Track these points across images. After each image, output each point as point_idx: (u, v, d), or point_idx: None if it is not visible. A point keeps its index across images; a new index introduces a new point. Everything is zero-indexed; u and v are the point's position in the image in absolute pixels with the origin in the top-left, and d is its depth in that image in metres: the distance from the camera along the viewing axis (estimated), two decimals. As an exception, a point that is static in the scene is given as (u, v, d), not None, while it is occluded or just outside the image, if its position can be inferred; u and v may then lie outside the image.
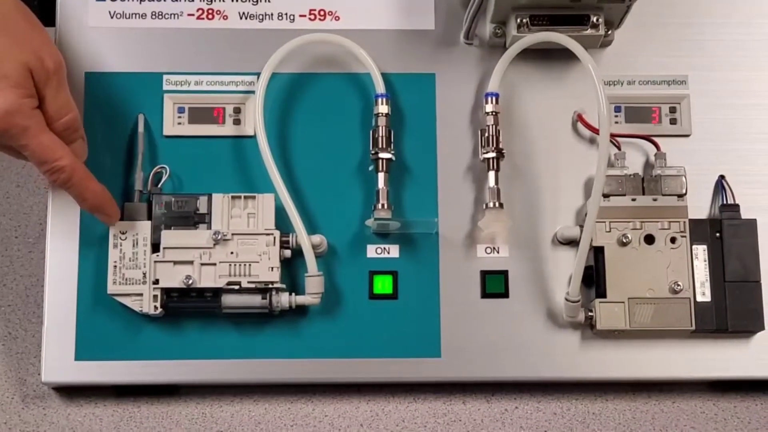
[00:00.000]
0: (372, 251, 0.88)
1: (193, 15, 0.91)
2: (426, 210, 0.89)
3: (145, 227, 0.85)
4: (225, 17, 0.91)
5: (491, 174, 0.88)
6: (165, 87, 0.90)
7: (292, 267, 0.87)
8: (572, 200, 0.89)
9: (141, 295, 0.84)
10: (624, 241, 0.86)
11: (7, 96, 0.78)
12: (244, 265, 0.85)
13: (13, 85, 0.78)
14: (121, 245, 0.85)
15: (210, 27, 0.91)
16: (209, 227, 0.86)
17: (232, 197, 0.86)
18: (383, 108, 0.88)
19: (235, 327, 0.86)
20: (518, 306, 0.88)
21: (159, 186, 0.87)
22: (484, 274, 0.88)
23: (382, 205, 0.87)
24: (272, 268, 0.85)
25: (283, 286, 0.85)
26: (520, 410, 0.89)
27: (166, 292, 0.85)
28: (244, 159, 0.89)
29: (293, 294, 0.85)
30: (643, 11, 0.91)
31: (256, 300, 0.85)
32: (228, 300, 0.85)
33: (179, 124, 0.89)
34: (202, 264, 0.85)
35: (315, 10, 0.92)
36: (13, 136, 0.79)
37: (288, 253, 0.86)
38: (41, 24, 0.83)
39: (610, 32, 0.90)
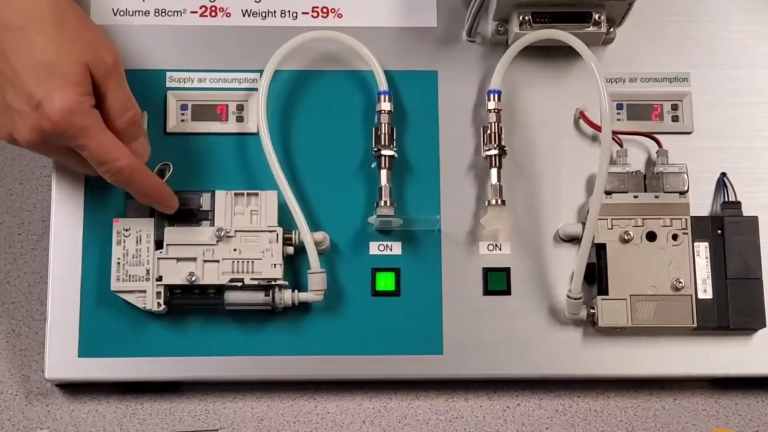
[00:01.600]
0: (374, 248, 0.88)
1: (196, 12, 0.91)
2: (428, 207, 0.89)
3: (148, 224, 0.85)
4: (228, 14, 0.91)
5: (493, 171, 0.88)
6: (168, 84, 0.90)
7: (294, 264, 0.87)
8: (574, 197, 0.89)
9: (144, 291, 0.84)
10: (626, 238, 0.86)
11: (66, 94, 0.75)
12: (247, 262, 0.85)
13: (72, 83, 0.76)
14: (124, 242, 0.85)
15: (213, 24, 0.91)
16: (212, 224, 0.86)
17: (235, 194, 0.86)
18: (386, 105, 0.88)
19: (237, 324, 0.86)
20: (520, 303, 0.88)
21: (162, 183, 0.87)
22: (486, 272, 0.88)
23: (385, 202, 0.87)
24: (275, 265, 0.85)
25: (286, 283, 0.85)
26: (521, 407, 0.89)
27: (170, 288, 0.85)
28: (247, 156, 0.89)
29: (296, 291, 0.85)
30: (644, 9, 0.91)
31: (259, 297, 0.85)
32: (231, 297, 0.85)
33: (182, 121, 0.89)
34: (205, 261, 0.85)
35: (318, 7, 0.92)
36: (72, 136, 0.77)
37: (291, 250, 0.86)
38: (92, 20, 0.81)
39: (611, 30, 0.90)
